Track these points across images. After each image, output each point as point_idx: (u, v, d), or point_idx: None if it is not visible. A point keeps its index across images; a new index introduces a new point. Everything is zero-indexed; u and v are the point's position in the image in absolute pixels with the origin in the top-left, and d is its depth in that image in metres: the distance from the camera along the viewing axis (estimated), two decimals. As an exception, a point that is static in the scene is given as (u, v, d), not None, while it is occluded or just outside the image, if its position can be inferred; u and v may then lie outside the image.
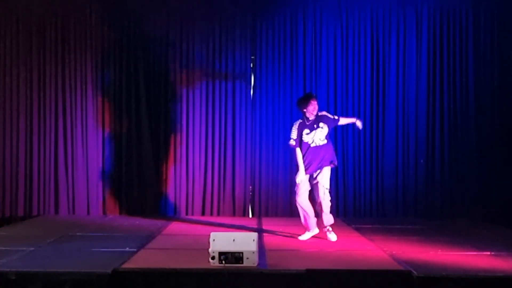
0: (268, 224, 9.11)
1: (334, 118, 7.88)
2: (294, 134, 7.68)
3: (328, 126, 7.70)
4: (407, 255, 6.56)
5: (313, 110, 7.64)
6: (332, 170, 7.85)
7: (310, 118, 7.66)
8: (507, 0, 10.16)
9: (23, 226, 9.06)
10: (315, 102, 7.67)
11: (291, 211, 10.13)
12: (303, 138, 7.68)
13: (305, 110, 7.66)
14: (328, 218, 7.63)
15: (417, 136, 10.27)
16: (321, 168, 7.65)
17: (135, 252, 6.67)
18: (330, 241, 7.56)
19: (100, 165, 10.23)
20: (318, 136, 7.65)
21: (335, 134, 9.97)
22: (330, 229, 7.65)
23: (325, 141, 7.67)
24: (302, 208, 7.73)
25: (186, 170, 10.27)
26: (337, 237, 7.64)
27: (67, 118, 10.23)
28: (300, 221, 7.88)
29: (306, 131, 7.67)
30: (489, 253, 6.78)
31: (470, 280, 5.54)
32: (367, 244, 7.48)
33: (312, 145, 7.65)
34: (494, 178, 10.09)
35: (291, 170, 10.18)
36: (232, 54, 10.32)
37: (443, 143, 10.25)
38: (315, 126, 7.66)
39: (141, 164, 10.28)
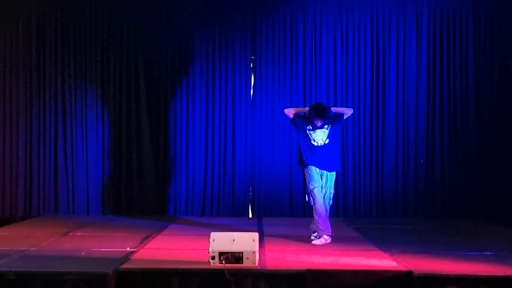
0: (268, 224, 9.10)
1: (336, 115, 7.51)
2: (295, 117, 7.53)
3: (331, 125, 7.39)
4: (407, 255, 6.55)
5: (316, 123, 7.40)
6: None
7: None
8: (507, 1, 10.17)
9: (23, 226, 9.06)
10: (317, 120, 7.34)
11: (291, 211, 10.17)
12: (306, 132, 7.43)
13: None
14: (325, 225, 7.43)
15: (417, 136, 10.27)
16: (328, 171, 7.42)
17: (135, 252, 6.67)
18: (330, 242, 7.54)
19: (100, 165, 10.24)
20: (320, 136, 7.39)
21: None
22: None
23: (328, 141, 7.37)
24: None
25: (186, 170, 10.28)
26: (332, 239, 7.46)
27: (67, 118, 10.24)
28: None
29: (309, 127, 7.41)
30: (489, 253, 6.78)
31: (470, 280, 5.54)
32: (367, 244, 7.47)
33: (314, 144, 7.41)
34: (494, 178, 10.09)
35: (291, 170, 10.21)
36: (232, 54, 10.32)
37: (443, 143, 10.25)
38: (319, 125, 7.37)
39: (141, 164, 10.28)
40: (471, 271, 5.79)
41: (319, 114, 7.34)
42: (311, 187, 7.36)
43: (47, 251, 6.77)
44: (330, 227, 7.43)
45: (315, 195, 7.34)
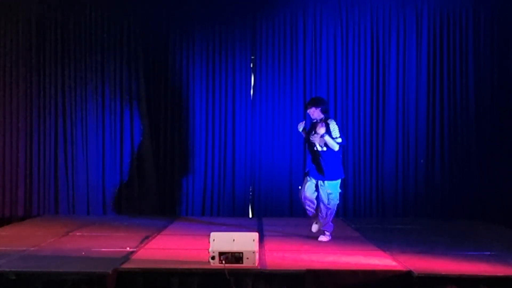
0: (268, 224, 9.10)
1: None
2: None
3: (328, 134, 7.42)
4: (407, 255, 6.56)
5: (312, 115, 7.50)
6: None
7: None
8: (507, 1, 10.17)
9: (23, 226, 9.06)
10: (311, 110, 7.44)
11: (291, 211, 10.16)
12: (310, 138, 7.51)
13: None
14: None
15: (417, 136, 10.27)
16: (323, 179, 7.44)
17: (135, 252, 6.67)
18: (330, 241, 7.57)
19: (100, 165, 10.23)
20: (318, 142, 7.42)
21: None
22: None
23: (325, 149, 7.39)
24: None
25: (186, 170, 10.28)
26: (332, 239, 7.60)
27: (67, 118, 10.24)
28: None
29: (313, 131, 7.49)
30: (489, 253, 6.78)
31: (470, 280, 5.54)
32: (367, 244, 7.47)
33: (315, 149, 7.46)
34: (494, 178, 10.09)
35: (291, 170, 10.21)
36: (232, 54, 10.32)
37: (443, 143, 10.25)
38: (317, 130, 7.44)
39: (141, 164, 10.28)
40: (471, 271, 5.80)
41: (309, 104, 7.58)
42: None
43: (47, 251, 6.77)
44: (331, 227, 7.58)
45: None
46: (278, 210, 10.21)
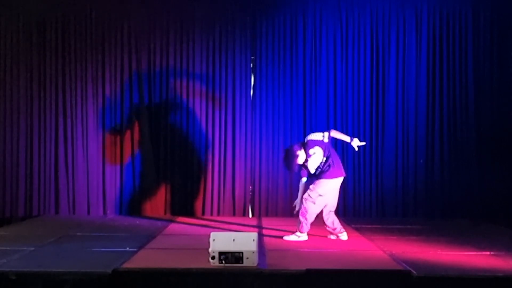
0: (268, 224, 9.10)
1: (322, 136, 7.71)
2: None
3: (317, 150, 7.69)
4: (407, 255, 6.56)
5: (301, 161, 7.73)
6: None
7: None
8: (506, 1, 10.17)
9: (23, 226, 9.06)
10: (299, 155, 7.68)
11: (291, 211, 10.14)
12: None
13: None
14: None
15: (417, 136, 10.27)
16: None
17: (135, 252, 6.67)
18: (330, 241, 7.59)
19: (101, 165, 10.23)
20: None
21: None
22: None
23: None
24: None
25: (186, 170, 10.28)
26: (332, 239, 7.75)
27: (67, 118, 10.23)
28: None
29: None
30: (489, 253, 6.78)
31: (470, 280, 5.54)
32: (367, 244, 7.48)
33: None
34: (494, 178, 10.08)
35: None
36: (232, 54, 10.32)
37: (443, 143, 10.25)
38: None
39: (141, 164, 10.28)
40: (471, 271, 5.80)
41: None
42: None
43: (47, 251, 6.77)
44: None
45: None
46: (278, 210, 10.21)
